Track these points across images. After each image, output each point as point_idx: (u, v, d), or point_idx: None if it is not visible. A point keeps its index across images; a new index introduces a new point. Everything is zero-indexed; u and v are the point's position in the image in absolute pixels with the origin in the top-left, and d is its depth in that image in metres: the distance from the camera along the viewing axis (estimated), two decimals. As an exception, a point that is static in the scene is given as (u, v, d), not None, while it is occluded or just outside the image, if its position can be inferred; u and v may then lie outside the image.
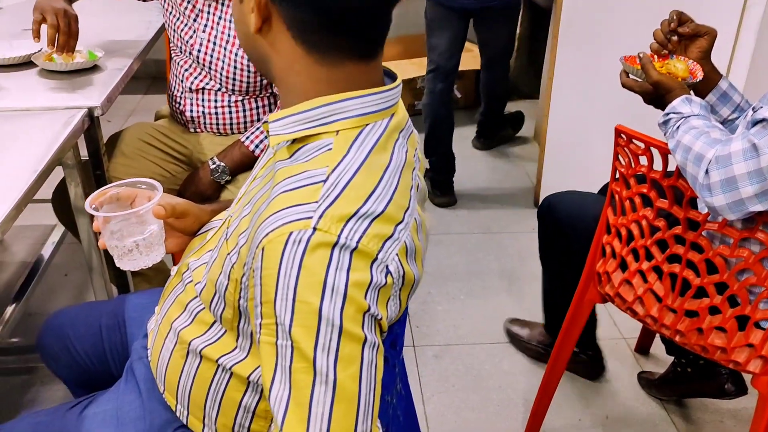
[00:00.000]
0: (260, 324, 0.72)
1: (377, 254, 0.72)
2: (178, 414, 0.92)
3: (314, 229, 0.69)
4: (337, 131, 0.77)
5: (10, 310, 1.98)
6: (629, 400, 1.79)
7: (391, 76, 0.84)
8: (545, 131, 2.61)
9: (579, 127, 2.52)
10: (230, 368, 0.83)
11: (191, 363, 0.87)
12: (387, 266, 0.73)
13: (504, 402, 1.82)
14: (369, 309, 0.70)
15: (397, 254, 0.74)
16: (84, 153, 1.58)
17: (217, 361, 0.84)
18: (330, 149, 0.76)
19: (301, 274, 0.68)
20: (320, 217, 0.70)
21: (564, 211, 1.63)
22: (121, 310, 1.18)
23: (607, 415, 1.78)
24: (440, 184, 2.81)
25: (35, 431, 0.96)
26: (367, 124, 0.78)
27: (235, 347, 0.83)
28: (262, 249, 0.70)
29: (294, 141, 0.79)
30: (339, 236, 0.69)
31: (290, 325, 0.69)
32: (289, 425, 0.70)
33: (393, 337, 0.91)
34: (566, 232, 1.62)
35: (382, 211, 0.73)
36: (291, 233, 0.69)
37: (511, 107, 3.35)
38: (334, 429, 0.69)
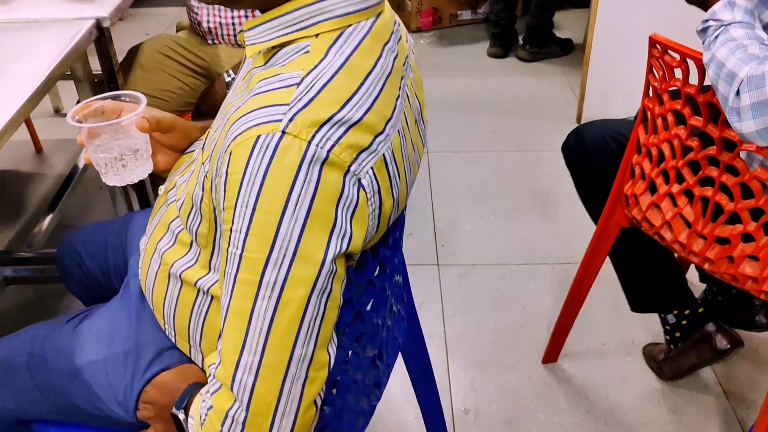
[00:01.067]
0: (222, 230, 0.69)
1: (349, 166, 0.67)
2: (167, 333, 0.92)
3: (283, 132, 0.64)
4: (317, 34, 0.71)
5: (47, 220, 2.04)
6: (658, 326, 1.73)
7: None
8: (590, 43, 2.44)
9: (625, 38, 2.35)
10: (208, 290, 0.81)
11: (173, 286, 0.86)
12: (360, 179, 0.68)
13: (527, 323, 1.79)
14: (335, 224, 0.67)
15: (372, 168, 0.69)
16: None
17: (195, 284, 0.82)
18: (307, 52, 0.70)
19: (266, 183, 0.64)
20: (290, 120, 0.65)
21: (592, 137, 1.51)
22: (125, 228, 1.18)
23: (633, 341, 1.73)
24: (498, 36, 3.15)
25: (33, 343, 0.98)
26: (349, 25, 0.72)
27: (209, 270, 0.81)
28: (230, 153, 0.67)
29: (272, 48, 0.73)
30: (309, 143, 0.65)
31: (246, 234, 0.66)
32: (227, 335, 0.69)
33: (380, 259, 0.87)
34: (596, 162, 1.50)
35: (360, 119, 0.68)
36: (259, 137, 0.65)
37: (561, 17, 3.16)
38: (270, 345, 0.67)
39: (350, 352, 0.88)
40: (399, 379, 1.29)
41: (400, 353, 1.15)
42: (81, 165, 2.27)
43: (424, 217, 2.17)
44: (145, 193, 1.67)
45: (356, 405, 0.93)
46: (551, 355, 1.67)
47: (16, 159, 2.56)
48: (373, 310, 0.90)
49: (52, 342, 0.97)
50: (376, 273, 0.89)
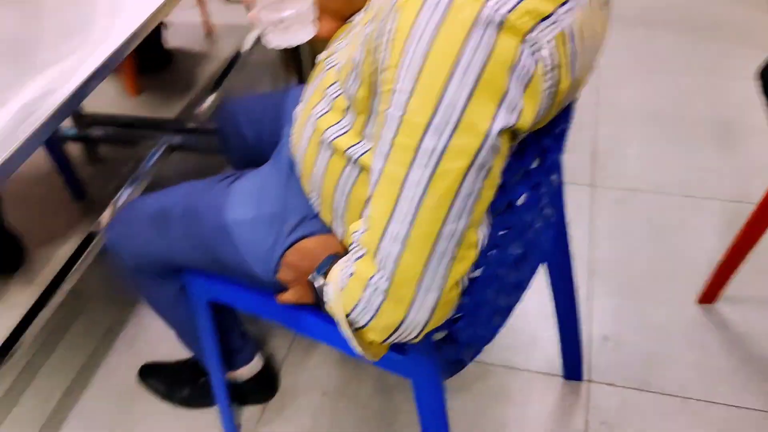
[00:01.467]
0: (381, 92, 0.65)
1: (528, 33, 0.60)
2: (312, 202, 0.91)
3: None
4: None
5: (211, 97, 2.13)
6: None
7: None
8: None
9: None
10: (357, 160, 0.79)
11: (323, 153, 0.84)
12: (539, 50, 0.61)
13: (684, 260, 1.64)
14: (506, 94, 0.60)
15: (553, 39, 0.62)
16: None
17: (345, 152, 0.80)
18: None
19: (435, 43, 0.59)
20: None
21: None
22: (282, 100, 1.19)
23: (810, 295, 1.54)
24: None
25: (189, 195, 1.02)
26: None
27: (362, 138, 0.78)
28: (397, 11, 0.62)
29: None
30: (485, 4, 0.58)
31: (409, 95, 0.61)
32: (377, 201, 0.66)
33: (541, 149, 0.80)
34: None
35: None
36: None
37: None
38: (420, 217, 0.64)
39: (495, 246, 0.83)
40: (537, 293, 1.23)
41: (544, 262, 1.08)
42: (245, 48, 2.33)
43: (585, 135, 2.03)
44: (302, 70, 1.68)
45: (495, 301, 0.89)
46: (709, 295, 1.53)
47: (188, 39, 2.68)
48: (525, 206, 0.84)
49: (206, 197, 1.00)
50: (534, 165, 0.82)
